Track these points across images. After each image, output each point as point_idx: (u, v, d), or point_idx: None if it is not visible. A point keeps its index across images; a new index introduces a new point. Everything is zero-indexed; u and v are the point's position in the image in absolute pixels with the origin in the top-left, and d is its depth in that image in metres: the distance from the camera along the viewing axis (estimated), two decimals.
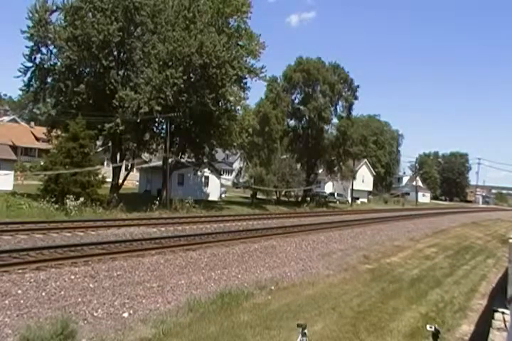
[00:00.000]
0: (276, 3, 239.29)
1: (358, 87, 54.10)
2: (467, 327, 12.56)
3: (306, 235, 23.37)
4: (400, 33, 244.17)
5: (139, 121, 28.64)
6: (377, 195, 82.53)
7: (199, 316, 10.96)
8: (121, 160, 33.05)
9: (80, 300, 10.43)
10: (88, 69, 31.15)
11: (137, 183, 47.77)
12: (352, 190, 62.71)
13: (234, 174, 73.36)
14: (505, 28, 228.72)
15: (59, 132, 30.75)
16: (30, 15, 28.73)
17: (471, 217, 59.39)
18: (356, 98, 54.16)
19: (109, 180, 31.95)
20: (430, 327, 7.54)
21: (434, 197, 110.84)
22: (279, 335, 9.89)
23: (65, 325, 8.43)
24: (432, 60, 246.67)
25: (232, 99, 32.74)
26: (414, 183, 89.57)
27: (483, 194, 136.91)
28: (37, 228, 17.72)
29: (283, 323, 10.67)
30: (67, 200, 23.44)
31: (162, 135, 35.39)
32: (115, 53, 30.41)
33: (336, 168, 56.00)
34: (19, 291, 10.03)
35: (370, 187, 76.66)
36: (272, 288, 14.33)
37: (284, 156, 51.07)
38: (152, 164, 46.88)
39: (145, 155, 45.72)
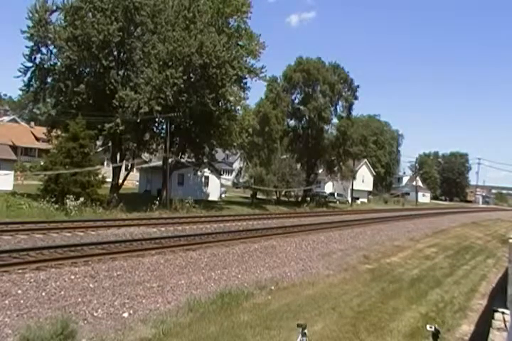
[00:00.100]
0: (276, 3, 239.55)
1: (358, 87, 54.21)
2: (467, 327, 12.56)
3: (306, 235, 23.36)
4: (400, 33, 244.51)
5: (139, 121, 28.64)
6: (377, 195, 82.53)
7: (199, 316, 10.96)
8: (121, 160, 33.05)
9: (79, 300, 10.43)
10: (88, 69, 31.15)
11: (137, 183, 47.78)
12: (352, 190, 62.71)
13: (234, 174, 73.36)
14: (505, 28, 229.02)
15: (59, 132, 30.75)
16: (30, 15, 28.73)
17: (471, 217, 59.39)
18: (356, 98, 54.23)
19: (109, 180, 31.95)
20: (430, 327, 7.54)
21: (434, 197, 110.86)
22: (279, 335, 9.89)
23: (65, 325, 8.43)
24: (432, 60, 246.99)
25: (232, 99, 32.74)
26: (414, 183, 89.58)
27: (483, 194, 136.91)
28: (37, 228, 17.71)
29: (283, 323, 10.67)
30: (67, 200, 23.44)
31: (162, 135, 35.39)
32: (115, 53, 30.41)
33: (335, 168, 56.00)
34: (19, 291, 10.03)
35: (370, 187, 76.67)
36: (272, 288, 14.33)
37: (284, 156, 51.07)
38: (152, 164, 46.89)
39: (145, 155, 45.72)
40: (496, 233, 44.58)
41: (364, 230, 29.63)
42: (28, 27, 28.71)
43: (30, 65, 30.00)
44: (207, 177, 44.74)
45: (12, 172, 31.85)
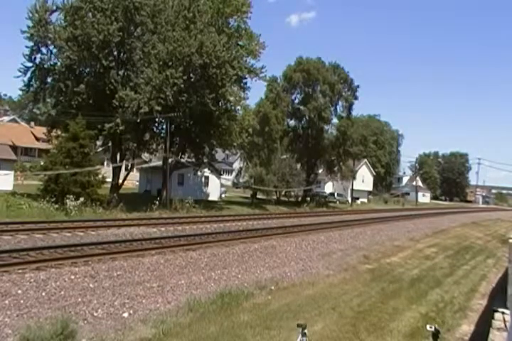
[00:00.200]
0: (276, 3, 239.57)
1: (358, 87, 54.21)
2: (467, 327, 12.56)
3: (306, 235, 23.36)
4: (400, 33, 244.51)
5: (139, 121, 28.63)
6: (377, 195, 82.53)
7: (199, 316, 10.96)
8: (121, 160, 33.05)
9: (80, 300, 10.43)
10: (88, 69, 31.15)
11: (137, 183, 47.78)
12: (352, 190, 62.71)
13: (234, 174, 73.36)
14: (505, 28, 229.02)
15: (59, 132, 30.75)
16: (30, 15, 28.73)
17: (471, 217, 59.39)
18: (356, 98, 54.23)
19: (109, 180, 31.95)
20: (430, 327, 7.54)
21: (434, 197, 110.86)
22: (279, 335, 9.89)
23: (65, 325, 8.43)
24: (432, 60, 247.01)
25: (232, 99, 32.74)
26: (414, 183, 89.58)
27: (483, 194, 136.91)
28: (37, 228, 17.71)
29: (283, 323, 10.67)
30: (67, 200, 23.43)
31: (162, 135, 35.39)
32: (115, 53, 30.41)
33: (336, 168, 56.00)
34: (19, 291, 10.03)
35: (370, 187, 76.67)
36: (272, 288, 14.33)
37: (284, 156, 51.07)
38: (152, 164, 46.89)
39: (145, 155, 45.72)
40: (496, 233, 44.58)
41: (364, 230, 29.63)
42: (28, 27, 28.71)
43: (30, 65, 30.02)
44: (207, 177, 44.74)
45: (12, 172, 31.85)
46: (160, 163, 39.18)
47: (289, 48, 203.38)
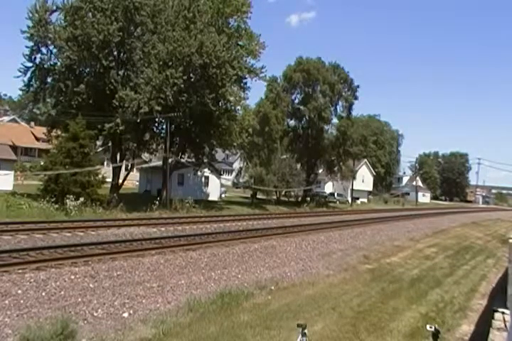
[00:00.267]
0: (276, 3, 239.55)
1: (358, 87, 54.21)
2: (467, 327, 12.56)
3: (306, 235, 23.36)
4: (400, 33, 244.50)
5: (139, 121, 28.63)
6: (377, 195, 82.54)
7: (199, 316, 10.96)
8: (121, 160, 33.05)
9: (80, 300, 10.43)
10: (88, 69, 31.15)
11: (137, 183, 47.77)
12: (352, 190, 62.70)
13: (234, 174, 73.36)
14: (505, 28, 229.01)
15: (59, 132, 30.75)
16: (30, 15, 28.73)
17: (471, 217, 59.39)
18: (356, 98, 54.23)
19: (109, 180, 31.95)
20: (430, 327, 7.54)
21: (434, 197, 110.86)
22: (279, 335, 9.89)
23: (65, 325, 8.43)
24: (432, 60, 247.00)
25: (232, 99, 32.74)
26: (414, 183, 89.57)
27: (483, 194, 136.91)
28: (37, 228, 17.71)
29: (283, 323, 10.67)
30: (67, 200, 23.43)
31: (162, 135, 35.39)
32: (115, 53, 30.41)
33: (336, 168, 56.00)
34: (19, 291, 10.03)
35: (370, 187, 76.67)
36: (272, 288, 14.33)
37: (284, 156, 51.07)
38: (152, 164, 46.89)
39: (145, 155, 45.72)
40: (496, 233, 44.58)
41: (364, 230, 29.63)
42: (28, 27, 28.71)
43: (30, 65, 30.02)
44: (207, 177, 44.74)
45: (12, 172, 31.85)
46: (160, 163, 39.19)
47: (289, 48, 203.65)
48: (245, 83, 35.37)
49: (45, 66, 30.42)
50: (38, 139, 55.84)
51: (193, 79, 31.33)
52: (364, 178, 73.09)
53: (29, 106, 35.51)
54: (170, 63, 29.12)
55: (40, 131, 44.36)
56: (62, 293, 10.51)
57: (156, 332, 9.67)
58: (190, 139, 35.62)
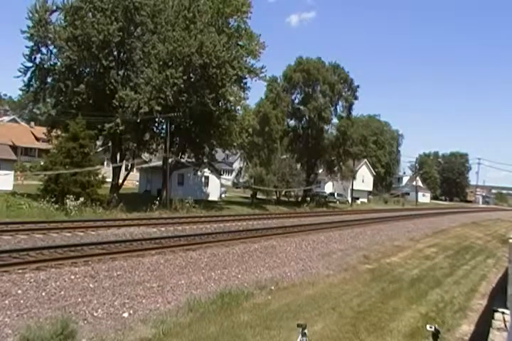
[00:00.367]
0: (276, 3, 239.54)
1: (358, 87, 54.22)
2: (467, 327, 12.56)
3: (306, 235, 23.36)
4: (400, 33, 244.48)
5: (139, 121, 28.63)
6: (377, 195, 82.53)
7: (199, 316, 10.96)
8: (121, 160, 33.05)
9: (80, 300, 10.43)
10: (88, 69, 31.15)
11: (137, 183, 47.77)
12: (352, 190, 62.70)
13: (234, 174, 73.36)
14: (505, 28, 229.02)
15: (59, 132, 30.75)
16: (30, 15, 28.73)
17: (471, 217, 59.39)
18: (356, 98, 54.23)
19: (109, 180, 31.95)
20: (430, 327, 7.54)
21: (434, 197, 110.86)
22: (279, 335, 9.89)
23: (65, 325, 8.43)
24: (432, 60, 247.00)
25: (232, 99, 32.74)
26: (414, 183, 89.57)
27: (483, 194, 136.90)
28: (37, 228, 17.71)
29: (283, 323, 10.67)
30: (67, 200, 23.43)
31: (162, 135, 35.39)
32: (115, 53, 30.41)
33: (336, 168, 56.00)
34: (19, 291, 10.03)
35: (370, 187, 76.66)
36: (272, 288, 14.33)
37: (284, 156, 51.08)
38: (152, 164, 46.89)
39: (145, 155, 45.72)
40: (496, 233, 44.58)
41: (364, 230, 29.63)
42: (28, 27, 28.71)
43: (30, 65, 30.02)
44: (207, 177, 44.74)
45: (12, 172, 31.85)
46: (160, 163, 39.19)
47: (289, 48, 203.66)
48: (245, 83, 35.44)
49: (45, 66, 30.43)
50: (38, 139, 55.85)
51: (193, 79, 31.33)
52: (364, 178, 73.09)
53: (29, 106, 35.51)
54: (170, 63, 29.12)
55: (40, 131, 44.36)
56: (62, 293, 10.51)
57: (156, 332, 9.67)
58: (190, 139, 35.62)
